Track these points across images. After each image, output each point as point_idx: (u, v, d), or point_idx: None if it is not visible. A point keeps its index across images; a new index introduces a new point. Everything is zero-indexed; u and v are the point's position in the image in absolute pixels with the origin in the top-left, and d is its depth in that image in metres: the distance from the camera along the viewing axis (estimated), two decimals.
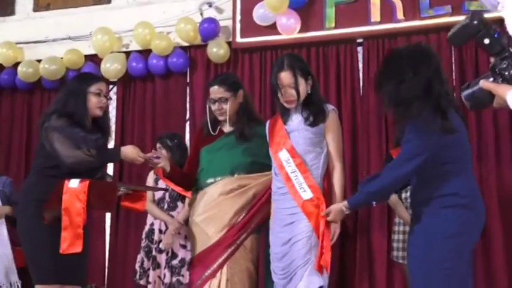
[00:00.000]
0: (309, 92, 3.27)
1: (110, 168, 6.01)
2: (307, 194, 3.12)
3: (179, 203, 4.66)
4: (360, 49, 5.68)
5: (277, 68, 3.28)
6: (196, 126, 5.91)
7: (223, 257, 3.39)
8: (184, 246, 4.56)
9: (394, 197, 4.29)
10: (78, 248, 3.28)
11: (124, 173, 6.14)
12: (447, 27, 5.01)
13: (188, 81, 6.18)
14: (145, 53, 6.17)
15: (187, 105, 6.17)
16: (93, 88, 3.54)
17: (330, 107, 3.28)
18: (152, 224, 4.68)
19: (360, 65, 5.66)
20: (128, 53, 6.25)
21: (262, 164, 3.52)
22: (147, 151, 5.37)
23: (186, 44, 6.09)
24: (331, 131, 3.25)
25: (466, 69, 5.32)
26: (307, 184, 3.11)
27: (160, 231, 4.62)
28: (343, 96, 5.58)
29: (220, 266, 3.38)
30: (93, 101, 3.52)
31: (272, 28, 5.75)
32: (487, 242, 4.89)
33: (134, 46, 6.27)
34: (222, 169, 3.53)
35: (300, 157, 3.16)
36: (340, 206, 3.05)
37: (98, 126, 3.59)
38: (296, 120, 3.29)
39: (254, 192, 3.52)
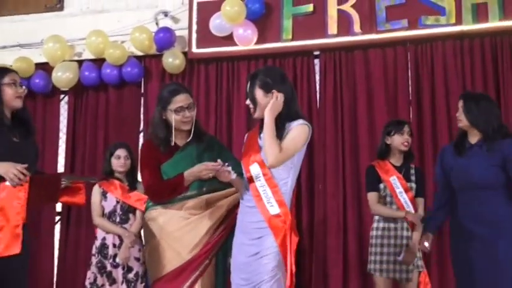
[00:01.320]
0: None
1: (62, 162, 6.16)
2: (274, 209, 3.07)
3: (130, 215, 4.63)
4: (316, 61, 5.77)
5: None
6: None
7: (196, 274, 3.33)
8: (138, 259, 4.54)
9: (372, 196, 4.25)
10: (16, 249, 3.09)
11: (76, 167, 6.13)
12: (403, 41, 5.49)
13: (142, 91, 6.19)
14: (99, 62, 6.15)
15: (142, 116, 6.16)
16: (7, 79, 3.31)
17: (299, 122, 3.13)
18: (104, 239, 4.61)
19: (317, 77, 5.74)
20: (80, 62, 6.23)
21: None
22: (98, 162, 5.46)
23: (140, 54, 6.10)
24: (290, 133, 3.11)
25: (423, 85, 5.45)
26: (275, 199, 3.07)
27: (114, 245, 4.57)
28: (300, 108, 5.45)
29: (194, 283, 3.32)
30: (8, 92, 3.29)
31: (229, 39, 5.80)
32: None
33: (87, 55, 6.25)
34: (191, 184, 3.39)
35: (270, 172, 3.10)
36: None
37: (19, 119, 3.37)
38: None
39: (227, 209, 3.45)
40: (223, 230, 3.40)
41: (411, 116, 5.42)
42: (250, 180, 3.14)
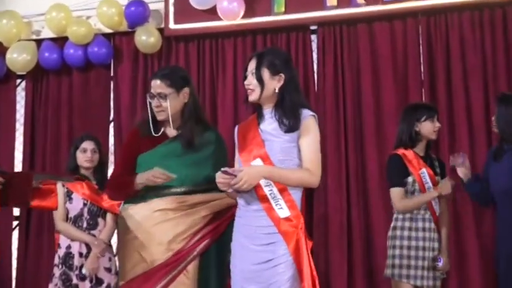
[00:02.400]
0: (277, 91, 3.10)
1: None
2: (284, 212, 2.99)
3: (100, 220, 4.46)
4: (314, 37, 5.59)
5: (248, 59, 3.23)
6: (122, 128, 5.72)
7: (161, 284, 3.28)
8: (109, 270, 4.41)
9: (397, 192, 4.08)
10: None
11: (36, 164, 5.98)
12: (414, 12, 5.29)
13: (112, 74, 6.01)
14: (60, 41, 5.95)
15: (112, 103, 5.98)
16: None
17: (308, 113, 3.11)
18: (69, 247, 4.41)
19: (314, 56, 5.57)
20: (39, 41, 6.00)
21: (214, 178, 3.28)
22: (62, 156, 5.44)
23: (109, 31, 5.90)
24: (305, 136, 3.06)
25: (436, 63, 5.27)
26: (284, 200, 2.99)
27: (80, 254, 4.38)
28: None
29: None
30: None
31: (212, 13, 5.59)
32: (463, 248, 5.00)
33: (47, 33, 6.03)
34: (168, 182, 3.32)
35: None
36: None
37: None
38: (270, 125, 3.11)
39: (204, 214, 3.37)
40: (202, 239, 3.36)
41: (424, 99, 5.20)
42: None
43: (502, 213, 3.79)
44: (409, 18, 5.29)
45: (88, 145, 4.53)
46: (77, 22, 5.79)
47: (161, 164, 3.29)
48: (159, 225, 3.31)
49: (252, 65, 3.10)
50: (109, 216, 4.42)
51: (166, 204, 3.32)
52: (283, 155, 3.05)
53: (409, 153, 4.06)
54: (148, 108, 3.44)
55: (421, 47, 5.31)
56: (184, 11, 5.62)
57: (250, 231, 3.07)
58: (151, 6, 5.72)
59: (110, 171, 5.53)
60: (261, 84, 3.06)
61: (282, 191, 2.99)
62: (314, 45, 5.55)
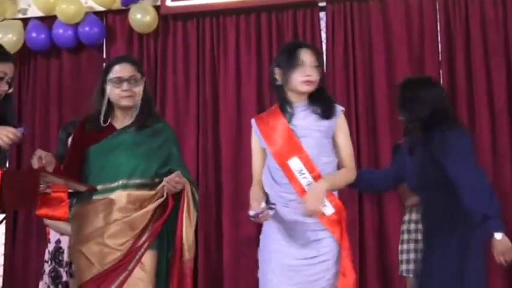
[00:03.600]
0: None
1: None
2: (329, 209, 3.12)
3: None
4: (322, 15, 5.55)
5: (293, 45, 3.33)
6: None
7: (116, 283, 3.26)
8: None
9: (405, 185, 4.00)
10: None
11: (24, 153, 5.86)
12: None
13: (105, 56, 5.95)
14: (49, 20, 5.86)
15: None
16: None
17: (339, 108, 3.29)
18: (58, 242, 4.27)
19: (323, 35, 5.51)
20: (25, 21, 5.92)
21: (167, 172, 3.38)
22: (52, 144, 5.27)
23: (101, 9, 5.84)
24: (342, 132, 3.26)
25: (455, 42, 5.18)
26: (327, 198, 3.11)
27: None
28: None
29: None
30: None
31: None
32: None
33: (34, 11, 5.95)
34: (117, 175, 3.35)
35: (315, 166, 3.15)
36: None
37: None
38: (305, 120, 3.22)
39: (152, 210, 3.33)
40: (147, 240, 3.32)
41: (442, 82, 5.13)
42: (292, 178, 3.15)
43: None
44: None
45: None
46: None
47: (110, 157, 3.35)
48: (111, 227, 3.31)
49: (311, 57, 3.17)
50: None
51: (117, 200, 3.30)
52: (319, 150, 3.17)
53: None
54: (97, 99, 3.42)
55: (438, 25, 5.24)
56: None
57: (295, 225, 3.17)
58: None
59: None
60: (321, 80, 3.20)
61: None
62: (323, 24, 5.51)
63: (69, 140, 4.22)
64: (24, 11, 5.97)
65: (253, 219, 3.13)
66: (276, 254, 3.21)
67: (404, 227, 4.17)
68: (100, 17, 5.80)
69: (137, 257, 3.31)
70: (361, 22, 5.37)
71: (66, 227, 4.13)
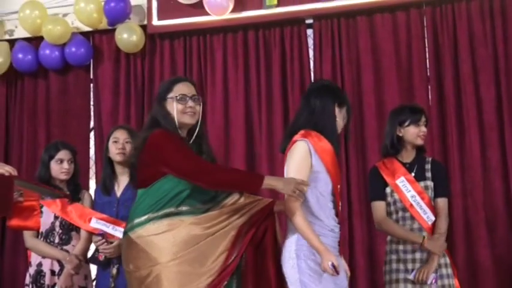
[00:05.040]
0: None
1: None
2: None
3: (73, 234, 4.32)
4: (310, 32, 5.56)
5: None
6: (104, 134, 5.54)
7: None
8: None
9: (377, 206, 3.95)
10: None
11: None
12: (418, 2, 5.20)
13: (92, 76, 5.96)
14: (36, 41, 5.91)
15: (92, 107, 5.94)
16: None
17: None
18: (40, 265, 4.26)
19: (311, 52, 5.53)
20: (12, 42, 5.97)
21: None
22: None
23: (87, 29, 5.87)
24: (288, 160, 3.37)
25: (443, 57, 5.21)
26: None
27: (52, 272, 4.24)
28: (290, 92, 5.39)
29: None
30: None
31: (198, 7, 5.55)
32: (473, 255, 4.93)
33: (20, 32, 5.99)
34: (205, 195, 3.29)
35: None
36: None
37: None
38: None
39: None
40: (237, 256, 3.28)
41: (430, 97, 5.21)
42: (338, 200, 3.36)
43: None
44: (412, 9, 5.23)
45: (65, 155, 4.39)
46: (52, 20, 5.72)
47: None
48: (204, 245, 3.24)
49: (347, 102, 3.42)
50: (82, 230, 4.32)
51: (209, 220, 3.27)
52: None
53: (390, 163, 3.97)
54: (175, 113, 3.33)
55: (426, 41, 5.25)
56: (169, 6, 5.59)
57: (335, 247, 3.30)
58: (133, 2, 5.70)
59: (92, 182, 5.53)
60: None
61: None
62: (310, 41, 5.52)
63: (52, 162, 4.33)
64: (11, 32, 6.01)
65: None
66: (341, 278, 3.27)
67: (387, 247, 4.03)
68: (87, 37, 5.82)
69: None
70: (348, 39, 5.38)
71: (46, 248, 4.23)
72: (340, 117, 3.32)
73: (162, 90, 3.43)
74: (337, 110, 3.32)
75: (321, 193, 3.26)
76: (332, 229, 3.28)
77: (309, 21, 5.48)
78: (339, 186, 3.35)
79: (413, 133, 3.90)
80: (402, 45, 5.26)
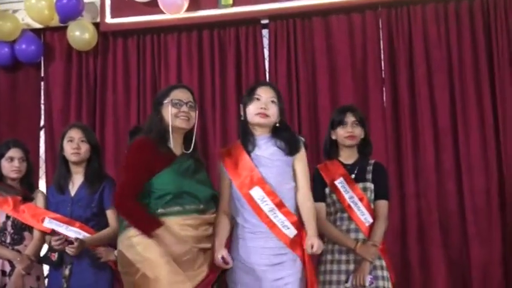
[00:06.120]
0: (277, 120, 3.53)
1: None
2: (291, 232, 3.37)
3: (26, 234, 4.27)
4: (265, 32, 5.59)
5: (255, 84, 3.67)
6: (54, 133, 5.57)
7: None
8: None
9: (319, 207, 3.84)
10: None
11: None
12: (373, 4, 5.26)
13: (43, 74, 5.93)
14: None
15: (42, 106, 5.90)
16: None
17: (301, 138, 3.59)
18: None
19: (266, 52, 5.56)
20: None
21: (217, 198, 3.57)
22: None
23: (38, 26, 5.83)
24: (301, 161, 3.51)
25: (398, 59, 5.28)
26: (289, 221, 3.36)
27: (3, 273, 4.20)
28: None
29: None
30: None
31: (152, 5, 5.55)
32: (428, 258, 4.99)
33: None
34: (192, 199, 3.41)
35: (276, 194, 3.40)
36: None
37: None
38: (267, 151, 3.49)
39: (211, 234, 3.48)
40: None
41: (385, 99, 5.28)
42: (255, 206, 3.39)
43: None
44: (368, 11, 5.29)
45: (15, 153, 4.35)
46: (2, 16, 5.69)
47: (178, 183, 3.37)
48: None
49: (270, 93, 3.47)
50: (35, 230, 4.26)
51: (198, 225, 3.39)
52: (280, 178, 3.44)
53: (330, 164, 3.96)
54: (170, 116, 3.39)
55: (381, 42, 5.31)
56: (122, 4, 5.58)
57: (257, 251, 3.39)
58: None
59: (42, 182, 5.45)
60: (280, 115, 3.46)
61: (286, 213, 3.36)
62: (265, 41, 5.55)
63: (2, 160, 4.28)
64: None
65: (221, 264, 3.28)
66: (243, 278, 3.37)
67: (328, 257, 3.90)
68: (37, 34, 5.80)
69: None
70: (304, 39, 5.41)
71: (4, 251, 4.19)
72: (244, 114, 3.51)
73: (160, 96, 3.51)
74: (241, 107, 3.52)
75: (237, 198, 3.47)
76: (249, 229, 3.40)
77: (265, 21, 5.52)
78: (255, 190, 3.39)
79: (341, 134, 3.91)
80: (357, 47, 5.31)
